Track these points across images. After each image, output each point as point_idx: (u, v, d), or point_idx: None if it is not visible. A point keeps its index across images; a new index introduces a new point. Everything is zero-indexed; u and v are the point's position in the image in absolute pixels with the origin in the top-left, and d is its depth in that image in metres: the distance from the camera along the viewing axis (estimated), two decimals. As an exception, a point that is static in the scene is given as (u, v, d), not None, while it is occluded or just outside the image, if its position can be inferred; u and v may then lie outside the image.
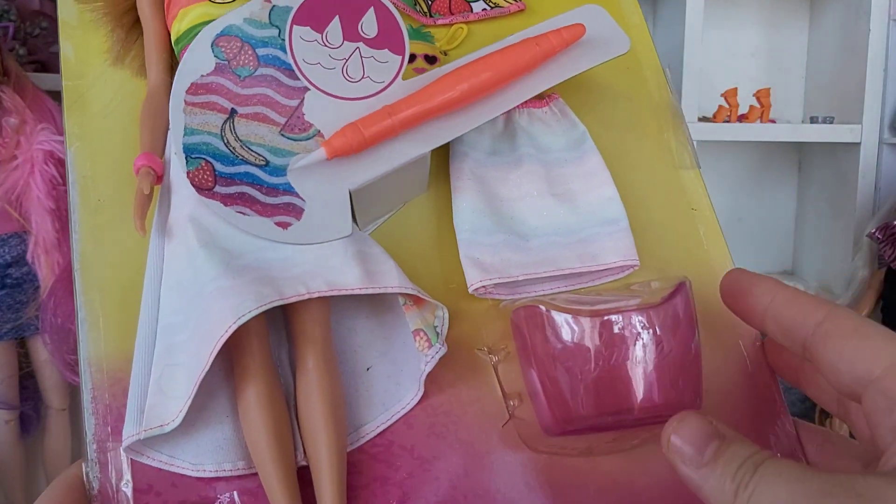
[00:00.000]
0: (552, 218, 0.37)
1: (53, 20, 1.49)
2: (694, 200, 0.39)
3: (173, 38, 0.37)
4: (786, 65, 1.96)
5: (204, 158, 0.32)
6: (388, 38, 0.34)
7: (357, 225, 0.35)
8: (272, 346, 0.34)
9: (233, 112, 0.33)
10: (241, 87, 0.33)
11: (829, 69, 1.85)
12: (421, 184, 0.37)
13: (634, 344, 0.31)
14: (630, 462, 0.33)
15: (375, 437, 0.34)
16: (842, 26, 1.78)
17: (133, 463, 0.31)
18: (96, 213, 0.35)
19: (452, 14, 0.41)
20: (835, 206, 1.82)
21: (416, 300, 0.34)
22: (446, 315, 0.34)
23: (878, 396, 0.23)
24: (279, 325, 0.35)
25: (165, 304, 0.33)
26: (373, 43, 0.34)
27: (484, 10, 0.41)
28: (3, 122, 1.30)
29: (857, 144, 1.70)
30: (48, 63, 1.46)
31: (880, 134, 1.70)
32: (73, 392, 1.43)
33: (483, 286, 0.35)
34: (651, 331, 0.31)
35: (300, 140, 0.34)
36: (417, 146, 0.34)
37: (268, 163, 0.33)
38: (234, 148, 0.33)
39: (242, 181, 0.33)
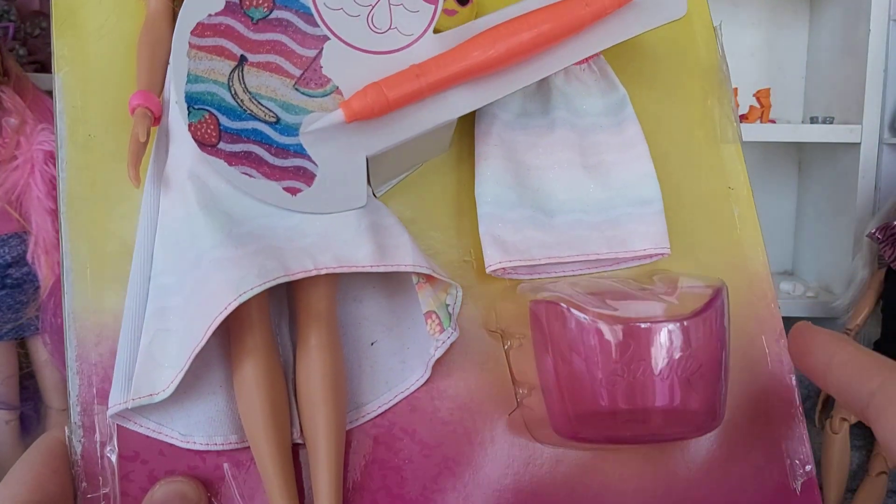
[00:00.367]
0: (581, 192, 0.34)
1: (53, 20, 1.49)
2: (732, 178, 0.36)
3: None
4: (786, 65, 1.95)
5: (208, 110, 0.30)
6: None
7: (371, 187, 0.32)
8: (272, 316, 0.32)
9: (242, 59, 0.30)
10: (253, 32, 0.30)
11: (828, 69, 1.84)
12: (443, 145, 0.34)
13: (662, 355, 0.28)
14: (609, 461, 0.32)
15: (377, 417, 0.32)
16: (842, 27, 1.78)
17: (119, 428, 0.30)
18: (86, 151, 0.32)
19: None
20: (835, 206, 1.82)
21: (430, 277, 0.32)
22: (460, 294, 0.32)
23: None
24: (280, 294, 0.33)
25: (159, 262, 0.31)
26: None
27: None
28: (3, 123, 1.30)
29: (857, 145, 1.70)
30: (48, 63, 1.46)
31: (880, 134, 1.69)
32: (73, 392, 1.43)
33: (502, 267, 0.33)
34: (682, 343, 0.29)
35: (316, 96, 0.31)
36: (445, 111, 0.31)
37: (278, 120, 0.30)
38: (242, 100, 0.30)
39: (250, 139, 0.30)
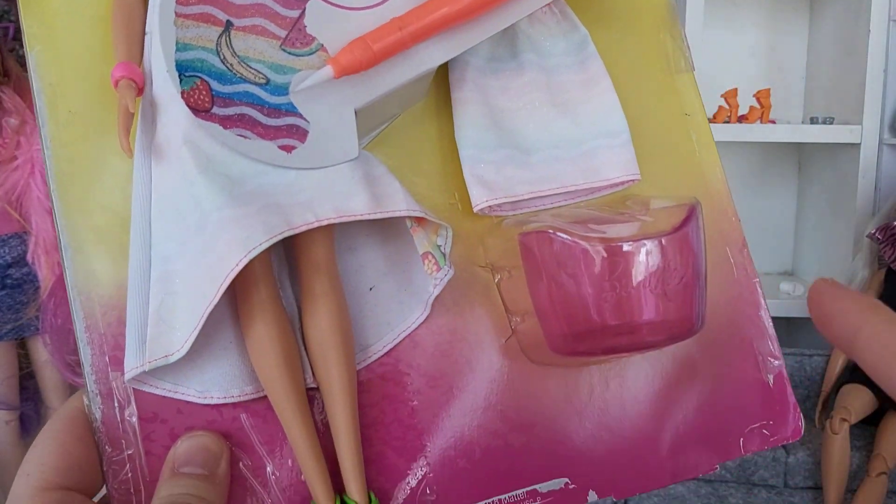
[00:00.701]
0: (553, 130, 0.36)
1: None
2: (687, 105, 0.38)
3: None
4: (786, 66, 1.96)
5: (199, 77, 0.30)
6: None
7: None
8: (274, 271, 0.33)
9: (228, 24, 0.30)
10: None
11: (828, 70, 1.85)
12: (421, 93, 0.35)
13: (645, 270, 0.31)
14: (596, 376, 0.34)
15: (382, 356, 0.33)
16: (842, 27, 1.78)
17: (136, 392, 0.31)
18: (68, 127, 0.32)
19: None
20: (835, 206, 1.82)
21: (420, 220, 0.33)
22: (450, 234, 0.34)
23: None
24: (279, 249, 0.34)
25: (158, 230, 0.31)
26: None
27: None
28: (4, 123, 1.30)
29: (857, 145, 1.70)
30: (48, 63, 1.46)
31: (880, 134, 1.70)
32: (73, 393, 1.43)
33: (489, 205, 0.34)
34: (662, 258, 0.31)
35: (302, 55, 0.31)
36: (427, 60, 0.32)
37: (268, 81, 0.31)
38: (231, 65, 0.30)
39: (242, 101, 0.30)
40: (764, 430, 0.35)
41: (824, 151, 1.85)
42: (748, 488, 1.47)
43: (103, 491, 0.31)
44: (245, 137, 0.31)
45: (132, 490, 0.30)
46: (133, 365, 0.30)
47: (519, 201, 0.35)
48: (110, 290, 0.31)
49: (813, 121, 1.77)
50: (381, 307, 0.34)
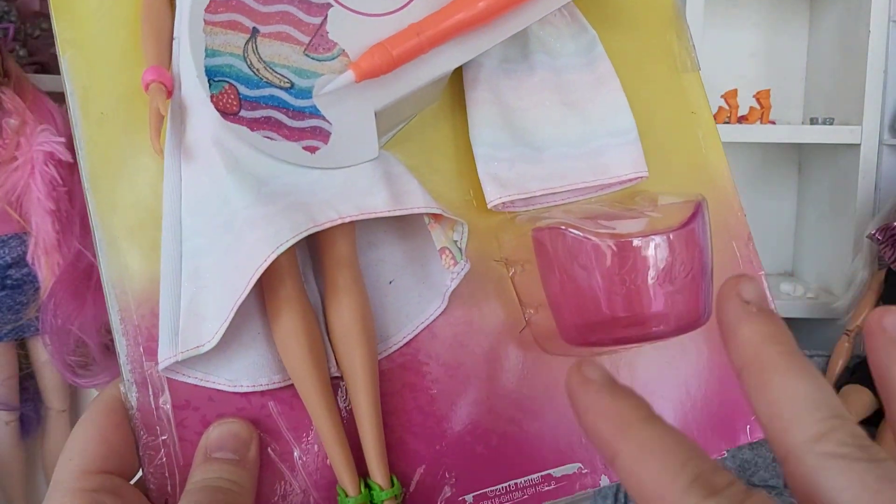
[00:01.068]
0: (563, 128, 0.37)
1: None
2: (693, 104, 0.39)
3: None
4: (786, 66, 1.96)
5: (227, 81, 0.31)
6: None
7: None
8: (299, 266, 0.34)
9: (255, 31, 0.32)
10: (262, 5, 0.32)
11: (829, 70, 1.85)
12: (435, 96, 0.37)
13: (654, 265, 0.32)
14: (614, 366, 0.36)
15: (402, 346, 0.35)
16: (842, 27, 1.78)
17: (170, 381, 0.32)
18: (100, 128, 0.33)
19: None
20: (835, 207, 1.82)
21: (437, 217, 0.34)
22: (466, 230, 0.35)
23: None
24: (303, 245, 0.35)
25: (188, 226, 0.33)
26: None
27: None
28: (4, 124, 1.30)
29: (857, 146, 1.70)
30: (49, 64, 1.47)
31: (880, 135, 1.70)
32: (74, 393, 1.43)
33: (502, 202, 0.36)
34: (670, 253, 0.32)
35: (325, 60, 0.33)
36: (444, 63, 0.34)
37: (293, 85, 0.32)
38: (257, 70, 0.32)
39: (268, 105, 0.32)
40: None
41: (824, 152, 1.85)
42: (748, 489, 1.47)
43: (139, 474, 0.33)
44: (271, 139, 0.32)
45: (167, 474, 0.32)
46: (167, 355, 0.31)
47: (531, 198, 0.36)
48: (143, 283, 0.33)
49: (813, 121, 1.77)
50: (400, 300, 0.35)
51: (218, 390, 0.33)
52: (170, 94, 0.33)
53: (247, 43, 0.32)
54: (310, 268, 0.35)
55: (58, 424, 1.45)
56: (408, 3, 0.33)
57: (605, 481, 0.34)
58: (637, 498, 0.21)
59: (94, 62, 0.34)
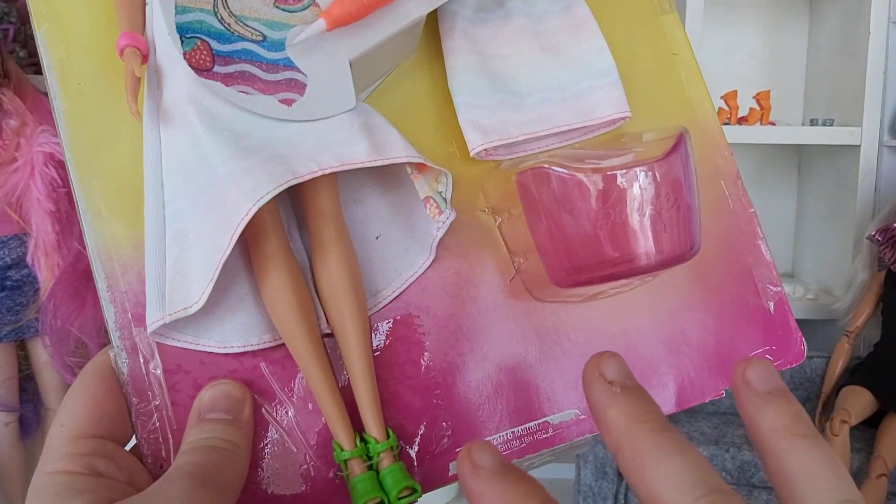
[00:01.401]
0: (543, 74, 0.37)
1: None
2: (674, 45, 0.39)
3: None
4: (786, 67, 1.96)
5: (199, 38, 0.32)
6: None
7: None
8: (283, 223, 0.34)
9: None
10: None
11: (828, 72, 1.85)
12: (411, 47, 0.37)
13: (639, 197, 0.32)
14: (603, 310, 0.36)
15: (392, 300, 0.35)
16: (842, 29, 1.78)
17: (159, 345, 0.32)
18: (78, 99, 0.33)
19: None
20: (834, 208, 1.82)
21: (420, 167, 0.34)
22: (450, 180, 0.35)
23: None
24: (286, 202, 0.35)
25: (170, 189, 0.33)
26: None
27: None
28: (4, 125, 1.30)
29: (857, 147, 1.70)
30: (48, 65, 1.46)
31: (880, 136, 1.70)
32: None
33: (484, 149, 0.35)
34: (654, 184, 0.32)
35: (295, 11, 0.33)
36: (416, 8, 0.33)
37: (265, 38, 0.33)
38: (228, 24, 0.32)
39: (241, 59, 0.32)
40: (767, 356, 0.36)
41: (824, 153, 1.85)
42: (748, 490, 1.47)
43: (134, 440, 0.32)
44: (246, 93, 0.32)
45: (160, 439, 0.32)
46: (154, 318, 0.31)
47: (514, 144, 0.36)
48: (128, 250, 0.33)
49: (813, 122, 1.77)
50: (388, 254, 0.35)
51: (208, 353, 0.32)
52: (145, 58, 0.33)
53: None
54: (294, 225, 0.35)
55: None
56: None
57: None
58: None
59: (70, 35, 0.34)
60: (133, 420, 0.32)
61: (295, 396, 0.33)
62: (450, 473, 0.33)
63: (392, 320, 0.34)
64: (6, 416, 1.44)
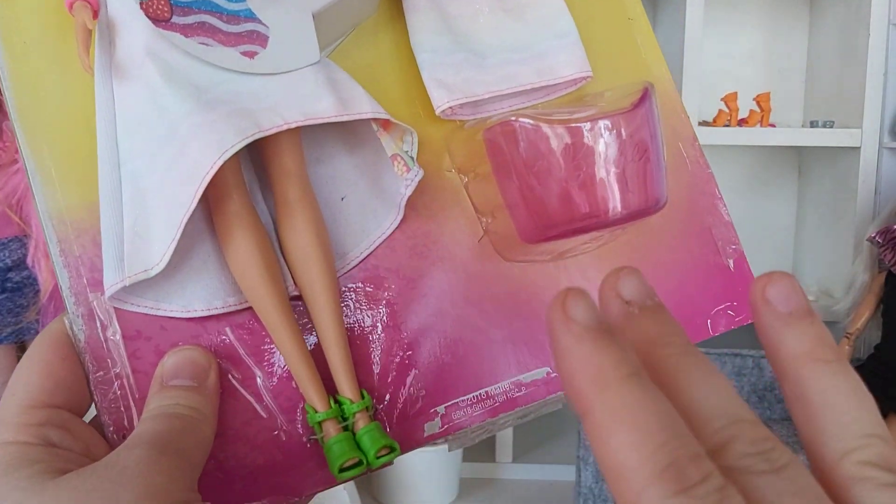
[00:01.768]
0: (506, 34, 0.37)
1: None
2: (629, 10, 0.39)
3: None
4: (786, 69, 1.96)
5: None
6: None
7: None
8: (246, 181, 0.34)
9: None
10: None
11: (829, 73, 1.85)
12: (373, 3, 0.36)
13: (605, 149, 0.32)
14: (571, 269, 0.36)
15: (360, 262, 0.34)
16: (842, 31, 1.78)
17: (118, 311, 0.31)
18: (24, 60, 0.32)
19: None
20: (835, 210, 1.82)
21: (385, 125, 0.34)
22: (416, 139, 0.35)
23: None
24: (247, 162, 0.34)
25: (126, 148, 0.32)
26: None
27: None
28: (4, 126, 1.31)
29: (857, 149, 1.70)
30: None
31: (880, 138, 1.70)
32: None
33: (450, 107, 0.35)
34: (620, 135, 0.32)
35: None
36: None
37: None
38: None
39: (200, 9, 0.31)
40: (729, 311, 0.36)
41: (824, 155, 1.85)
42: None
43: (93, 411, 0.31)
44: (207, 45, 0.31)
45: (122, 407, 0.30)
46: (113, 282, 0.30)
47: (479, 102, 0.36)
48: (81, 213, 0.32)
49: (813, 124, 1.77)
50: (354, 215, 0.35)
51: (170, 318, 0.31)
52: (95, 13, 0.32)
53: None
54: (257, 187, 0.34)
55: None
56: None
57: None
58: (601, 467, 0.19)
59: None
60: (92, 389, 0.30)
61: (262, 362, 0.32)
62: (424, 435, 0.33)
63: (360, 282, 0.34)
64: (6, 417, 1.44)
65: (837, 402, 0.21)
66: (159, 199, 0.31)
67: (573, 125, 0.32)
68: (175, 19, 0.31)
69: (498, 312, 0.35)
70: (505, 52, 0.37)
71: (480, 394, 0.34)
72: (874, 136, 1.68)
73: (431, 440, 0.33)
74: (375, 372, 0.33)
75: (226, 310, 0.32)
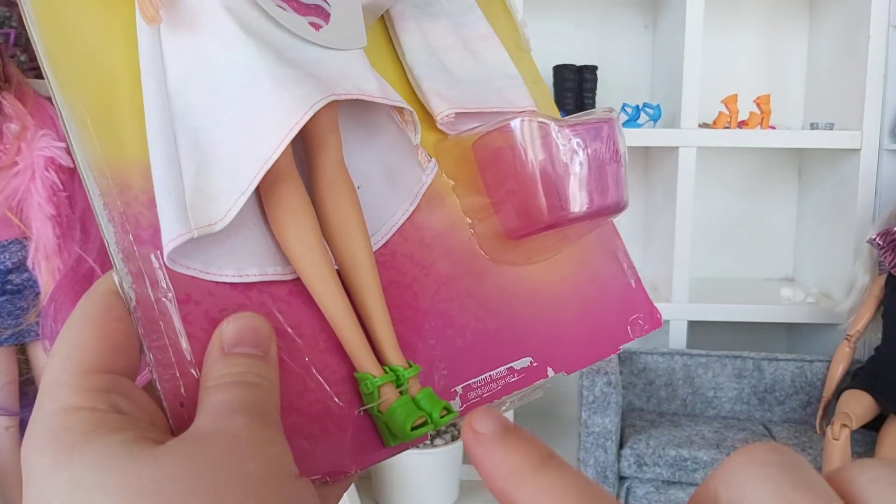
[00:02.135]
0: (470, 69, 0.41)
1: (55, 27, 1.49)
2: (536, 76, 0.45)
3: None
4: (786, 71, 1.96)
5: None
6: None
7: None
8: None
9: None
10: None
11: (828, 75, 1.85)
12: (369, 25, 0.39)
13: (596, 150, 0.36)
14: (541, 269, 0.39)
15: (380, 247, 0.36)
16: (842, 33, 1.78)
17: (169, 271, 0.30)
18: (51, 5, 0.32)
19: None
20: (835, 212, 1.82)
21: (402, 116, 0.36)
22: (419, 137, 0.37)
23: None
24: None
25: (182, 103, 0.32)
26: None
27: None
28: (5, 128, 1.31)
29: (857, 151, 1.70)
30: (49, 69, 1.47)
31: (880, 140, 1.70)
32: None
33: (448, 115, 0.38)
34: (603, 139, 0.36)
35: None
36: None
37: None
38: None
39: None
40: (639, 321, 0.40)
41: (824, 157, 1.85)
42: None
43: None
44: (283, 9, 0.33)
45: (178, 374, 0.29)
46: (178, 233, 0.29)
47: (475, 114, 0.39)
48: (121, 167, 0.31)
49: (813, 126, 1.77)
50: (369, 204, 0.36)
51: (217, 283, 0.31)
52: None
53: None
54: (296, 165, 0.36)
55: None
56: None
57: (550, 373, 0.37)
58: None
59: None
60: (146, 352, 0.28)
61: (304, 334, 0.32)
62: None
63: (383, 265, 0.35)
64: (6, 420, 1.44)
65: None
66: (226, 154, 0.31)
67: (570, 126, 0.35)
68: None
69: (490, 304, 0.37)
70: (473, 83, 0.41)
71: (486, 377, 0.36)
72: (874, 138, 1.68)
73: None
74: (407, 348, 0.34)
75: (276, 277, 0.32)
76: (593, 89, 1.79)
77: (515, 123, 0.36)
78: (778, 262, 2.03)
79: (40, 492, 0.24)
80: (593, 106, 1.79)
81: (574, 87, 1.78)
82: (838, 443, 1.38)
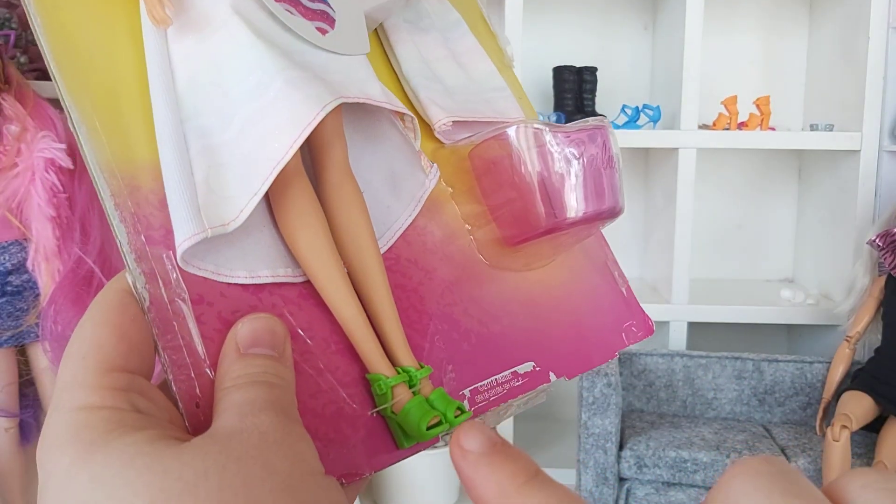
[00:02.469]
0: (459, 82, 0.42)
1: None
2: (519, 91, 0.45)
3: None
4: (785, 73, 1.96)
5: None
6: None
7: None
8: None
9: None
10: None
11: (828, 77, 1.85)
12: (384, 17, 0.41)
13: (593, 155, 0.36)
14: (539, 276, 0.40)
15: (385, 252, 0.36)
16: (841, 34, 1.78)
17: (182, 272, 0.30)
18: (57, 10, 0.32)
19: None
20: (835, 213, 1.82)
21: (403, 121, 0.37)
22: (418, 143, 0.38)
23: None
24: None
25: (191, 105, 0.32)
26: None
27: None
28: (4, 130, 1.31)
29: (857, 152, 1.70)
30: (49, 71, 1.47)
31: (880, 141, 1.70)
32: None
33: (446, 123, 0.38)
34: (599, 144, 0.37)
35: None
36: None
37: None
38: None
39: None
40: (633, 328, 0.41)
41: (824, 158, 1.85)
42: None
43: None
44: (290, 13, 0.34)
45: (193, 374, 0.29)
46: (191, 233, 0.29)
47: (470, 123, 0.40)
48: (130, 170, 0.31)
49: (813, 128, 1.77)
50: (374, 208, 0.36)
51: (229, 285, 0.31)
52: None
53: None
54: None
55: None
56: None
57: (552, 377, 0.37)
58: None
59: None
60: (161, 353, 0.28)
61: (315, 336, 0.32)
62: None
63: (389, 269, 0.35)
64: (6, 421, 1.44)
65: None
66: (238, 154, 0.31)
67: (565, 133, 0.36)
68: None
69: (493, 309, 0.37)
70: (465, 93, 0.41)
71: (492, 381, 0.36)
72: (874, 140, 1.69)
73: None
74: (417, 350, 0.34)
75: (287, 279, 0.32)
76: (593, 91, 1.79)
77: (512, 131, 0.36)
78: (778, 264, 2.03)
79: (61, 491, 0.23)
80: (593, 107, 1.79)
81: (574, 89, 1.78)
82: (838, 444, 1.38)
